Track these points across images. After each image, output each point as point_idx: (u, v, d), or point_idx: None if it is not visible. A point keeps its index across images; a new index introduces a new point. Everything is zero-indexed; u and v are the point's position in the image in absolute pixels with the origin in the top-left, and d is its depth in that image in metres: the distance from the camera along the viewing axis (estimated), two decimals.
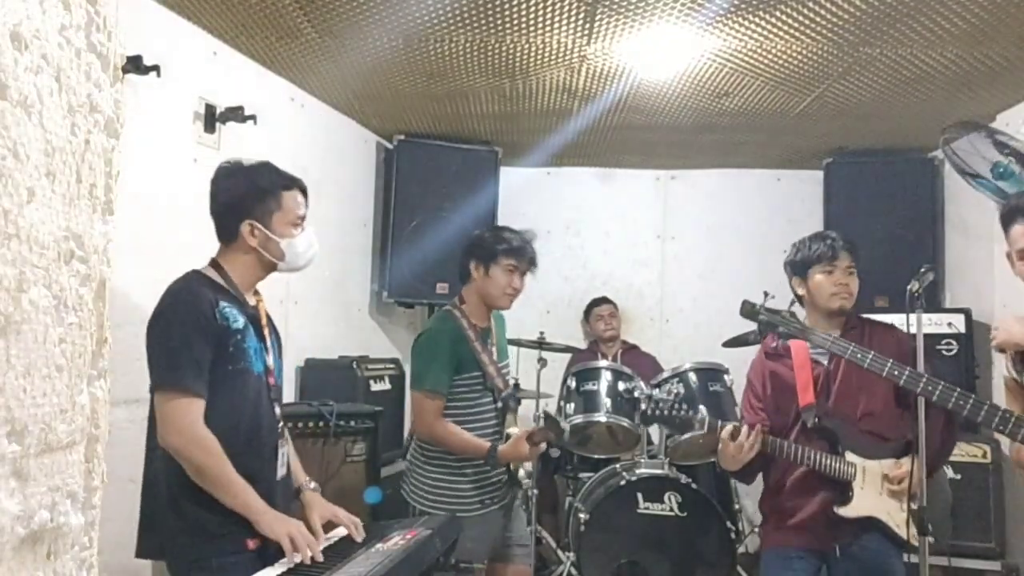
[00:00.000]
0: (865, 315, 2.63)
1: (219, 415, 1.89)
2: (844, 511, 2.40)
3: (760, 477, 2.64)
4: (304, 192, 2.13)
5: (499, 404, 2.83)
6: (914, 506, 2.38)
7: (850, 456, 2.42)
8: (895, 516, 2.37)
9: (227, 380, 1.92)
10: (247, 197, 2.03)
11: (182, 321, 1.89)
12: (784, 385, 2.54)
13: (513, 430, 2.81)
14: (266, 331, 2.10)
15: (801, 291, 2.58)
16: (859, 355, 2.29)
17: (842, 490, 2.41)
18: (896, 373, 2.22)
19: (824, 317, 2.54)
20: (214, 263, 2.05)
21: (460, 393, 2.76)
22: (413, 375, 2.82)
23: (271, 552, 1.91)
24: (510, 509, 2.92)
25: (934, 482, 2.43)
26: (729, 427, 2.45)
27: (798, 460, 2.44)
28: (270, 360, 2.08)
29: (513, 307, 2.93)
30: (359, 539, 2.04)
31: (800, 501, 2.48)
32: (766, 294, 2.45)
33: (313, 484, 2.18)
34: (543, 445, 2.78)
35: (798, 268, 2.58)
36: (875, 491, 2.40)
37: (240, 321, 1.96)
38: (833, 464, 2.41)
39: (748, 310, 2.45)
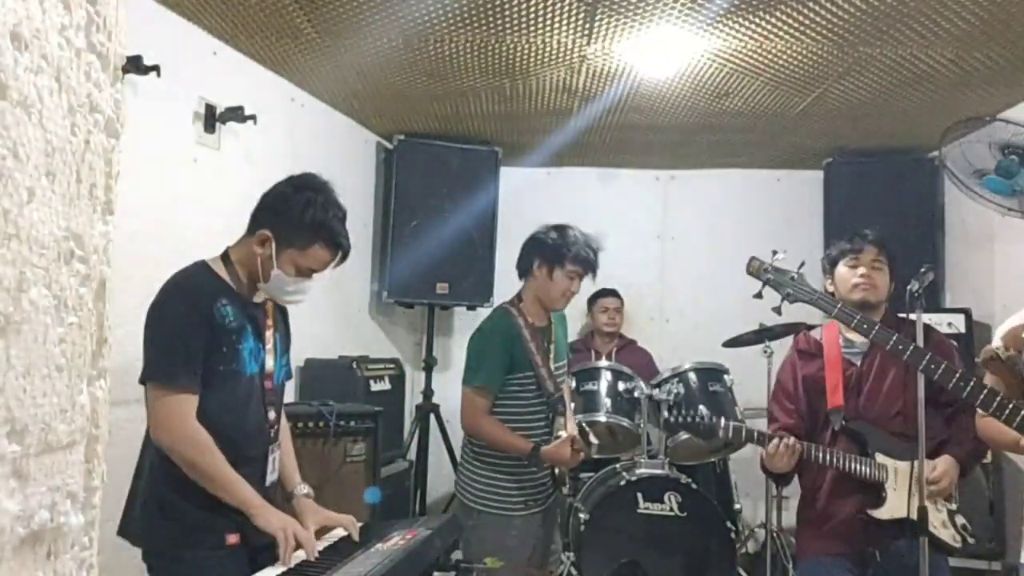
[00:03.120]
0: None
1: (204, 415, 1.87)
2: (878, 513, 2.37)
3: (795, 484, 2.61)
4: (340, 257, 2.04)
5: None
6: (952, 507, 2.36)
7: (880, 458, 2.40)
8: (931, 517, 2.30)
9: (216, 380, 1.90)
10: (286, 218, 1.96)
11: (179, 313, 1.88)
12: (815, 386, 2.51)
13: (562, 433, 2.79)
14: (269, 331, 2.07)
15: (831, 288, 2.55)
16: (865, 326, 2.23)
17: (875, 492, 2.38)
18: (900, 348, 2.19)
19: None
20: (224, 254, 2.02)
21: (512, 392, 2.77)
22: (465, 370, 2.82)
23: (252, 548, 1.90)
24: (552, 513, 2.92)
25: (971, 483, 2.40)
26: (777, 441, 2.40)
27: (826, 463, 2.40)
28: (269, 362, 2.04)
29: None
30: (356, 538, 2.03)
31: (835, 505, 2.45)
32: (775, 252, 2.35)
33: (306, 489, 2.14)
34: (582, 454, 2.79)
35: (827, 264, 2.56)
36: (908, 492, 2.35)
37: (237, 321, 1.94)
38: (862, 467, 2.39)
39: (755, 268, 2.35)
